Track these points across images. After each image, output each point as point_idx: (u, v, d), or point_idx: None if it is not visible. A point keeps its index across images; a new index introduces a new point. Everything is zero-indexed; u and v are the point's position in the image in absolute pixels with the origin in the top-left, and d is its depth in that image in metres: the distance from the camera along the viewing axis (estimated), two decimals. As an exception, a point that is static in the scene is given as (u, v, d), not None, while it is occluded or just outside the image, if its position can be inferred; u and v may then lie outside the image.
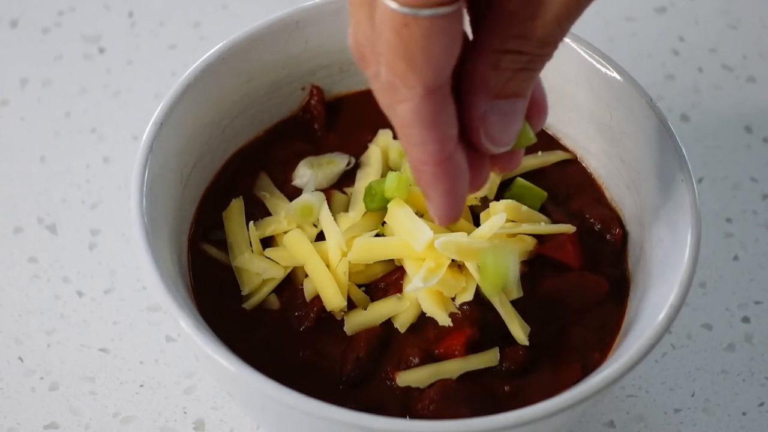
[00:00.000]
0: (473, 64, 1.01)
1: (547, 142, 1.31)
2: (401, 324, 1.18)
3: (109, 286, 1.36)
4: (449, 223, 1.07)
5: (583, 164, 1.31)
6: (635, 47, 1.55)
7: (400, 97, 0.99)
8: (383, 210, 1.21)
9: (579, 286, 1.21)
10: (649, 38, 1.56)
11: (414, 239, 1.17)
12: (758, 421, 1.30)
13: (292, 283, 1.22)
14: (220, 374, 1.13)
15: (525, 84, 1.02)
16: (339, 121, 1.32)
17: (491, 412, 1.10)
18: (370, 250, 1.19)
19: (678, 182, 1.20)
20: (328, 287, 1.19)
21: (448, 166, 1.02)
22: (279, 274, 1.21)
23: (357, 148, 1.29)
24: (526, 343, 1.18)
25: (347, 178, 1.27)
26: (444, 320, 1.17)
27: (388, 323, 1.19)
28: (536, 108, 1.07)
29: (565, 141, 1.32)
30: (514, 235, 1.22)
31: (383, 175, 1.25)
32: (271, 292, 1.21)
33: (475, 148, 1.04)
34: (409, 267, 1.19)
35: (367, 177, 1.25)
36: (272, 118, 1.32)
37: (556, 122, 1.31)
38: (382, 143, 1.28)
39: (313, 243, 1.21)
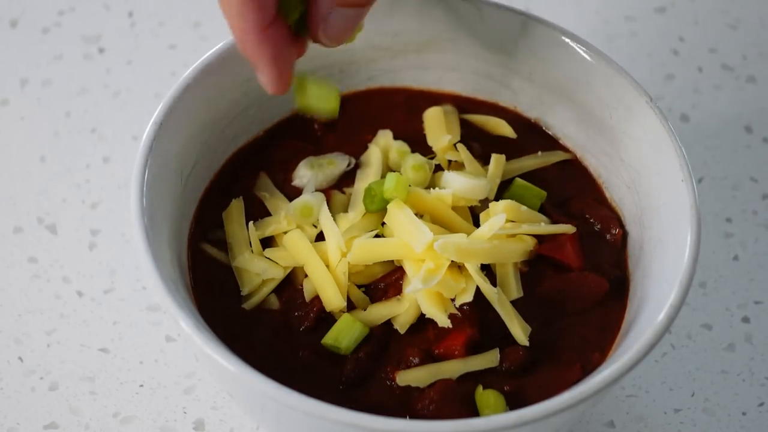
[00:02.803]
0: None
1: (547, 142, 1.31)
2: (401, 325, 1.18)
3: (109, 286, 1.36)
4: (279, 93, 1.13)
5: (583, 164, 1.31)
6: (635, 47, 1.55)
7: None
8: (383, 211, 1.21)
9: (579, 286, 1.21)
10: (649, 38, 1.56)
11: (413, 240, 1.17)
12: (758, 421, 1.30)
13: (292, 283, 1.22)
14: (220, 374, 1.13)
15: None
16: (339, 121, 1.32)
17: (491, 412, 1.10)
18: (370, 250, 1.19)
19: (678, 182, 1.19)
20: (327, 288, 1.19)
21: (270, 34, 1.09)
22: (279, 275, 1.21)
23: (357, 148, 1.29)
24: (526, 343, 1.18)
25: (347, 179, 1.27)
26: (443, 321, 1.17)
27: (387, 324, 1.19)
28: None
29: (565, 141, 1.32)
30: (513, 236, 1.22)
31: (383, 176, 1.25)
32: (271, 292, 1.21)
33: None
34: (408, 268, 1.18)
35: (366, 177, 1.25)
36: (272, 118, 1.31)
37: (556, 122, 1.31)
38: (382, 143, 1.28)
39: (313, 243, 1.21)
